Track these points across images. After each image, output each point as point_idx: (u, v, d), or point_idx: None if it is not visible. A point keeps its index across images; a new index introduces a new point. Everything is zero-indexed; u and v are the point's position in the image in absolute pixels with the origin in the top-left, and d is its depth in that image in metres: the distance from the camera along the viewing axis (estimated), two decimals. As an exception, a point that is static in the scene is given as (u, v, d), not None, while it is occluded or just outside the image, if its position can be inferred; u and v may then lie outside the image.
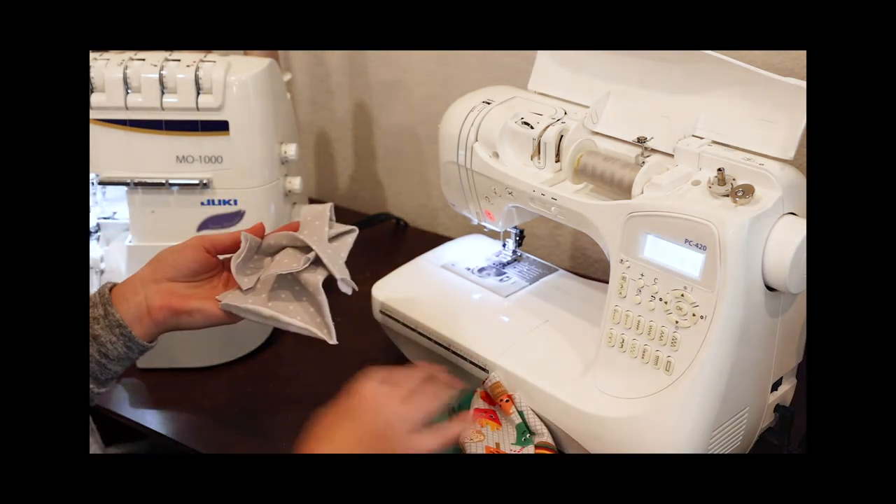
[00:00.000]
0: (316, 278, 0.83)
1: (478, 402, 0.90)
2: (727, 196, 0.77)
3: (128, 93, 1.02)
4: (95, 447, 0.82)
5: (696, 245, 0.76)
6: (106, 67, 1.02)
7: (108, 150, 1.04)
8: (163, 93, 1.02)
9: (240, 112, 1.03)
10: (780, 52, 0.98)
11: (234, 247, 0.85)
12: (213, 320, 0.83)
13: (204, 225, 1.07)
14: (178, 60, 1.02)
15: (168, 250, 0.85)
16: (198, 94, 1.02)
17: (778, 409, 0.89)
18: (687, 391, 0.78)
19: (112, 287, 0.83)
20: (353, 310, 0.97)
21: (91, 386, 0.81)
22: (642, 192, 0.81)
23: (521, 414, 0.87)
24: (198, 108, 1.02)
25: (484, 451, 0.84)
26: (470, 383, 0.94)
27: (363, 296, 0.95)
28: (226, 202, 1.06)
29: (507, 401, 0.88)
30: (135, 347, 0.82)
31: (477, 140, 0.95)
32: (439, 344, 0.99)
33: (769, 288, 0.78)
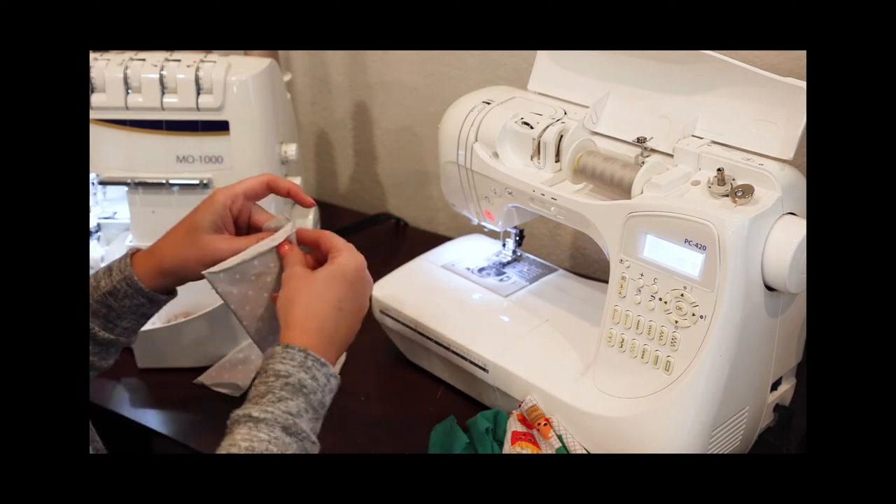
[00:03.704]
0: None
1: (514, 425, 0.89)
2: (727, 196, 0.77)
3: (128, 93, 1.02)
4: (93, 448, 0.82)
5: (696, 245, 0.76)
6: (106, 67, 1.02)
7: (108, 150, 1.04)
8: (163, 93, 1.02)
9: (240, 112, 1.03)
10: (780, 52, 0.98)
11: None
12: None
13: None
14: (179, 60, 1.03)
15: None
16: (198, 94, 1.02)
17: (777, 408, 0.89)
18: (686, 391, 0.78)
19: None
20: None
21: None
22: (642, 192, 0.81)
23: (560, 438, 0.86)
24: (198, 109, 1.02)
25: None
26: (503, 404, 0.94)
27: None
28: (226, 202, 1.06)
29: (545, 424, 0.87)
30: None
31: (477, 140, 0.95)
32: (439, 344, 0.99)
33: (769, 288, 0.78)
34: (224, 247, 0.78)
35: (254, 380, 0.71)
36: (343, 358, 1.01)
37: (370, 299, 1.05)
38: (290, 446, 0.66)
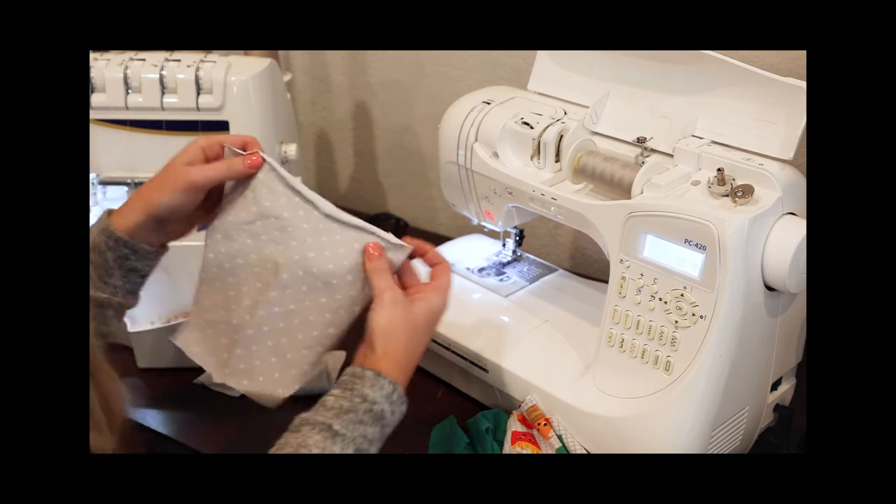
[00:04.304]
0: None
1: (515, 425, 0.89)
2: (727, 196, 0.77)
3: (128, 93, 1.02)
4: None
5: (696, 245, 0.76)
6: (106, 67, 1.02)
7: (108, 150, 1.04)
8: (163, 93, 1.02)
9: (240, 112, 1.03)
10: (780, 52, 0.98)
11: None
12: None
13: (203, 225, 1.07)
14: (179, 60, 1.03)
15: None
16: (198, 94, 1.02)
17: (777, 408, 0.89)
18: (686, 391, 0.78)
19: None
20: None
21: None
22: (642, 192, 0.81)
23: (560, 438, 0.86)
24: (198, 109, 1.02)
25: None
26: (503, 404, 0.94)
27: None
28: (226, 202, 1.06)
29: (545, 424, 0.87)
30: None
31: (477, 140, 0.95)
32: (439, 344, 0.99)
33: (769, 288, 0.78)
34: (195, 172, 0.79)
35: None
36: (343, 357, 1.01)
37: None
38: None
